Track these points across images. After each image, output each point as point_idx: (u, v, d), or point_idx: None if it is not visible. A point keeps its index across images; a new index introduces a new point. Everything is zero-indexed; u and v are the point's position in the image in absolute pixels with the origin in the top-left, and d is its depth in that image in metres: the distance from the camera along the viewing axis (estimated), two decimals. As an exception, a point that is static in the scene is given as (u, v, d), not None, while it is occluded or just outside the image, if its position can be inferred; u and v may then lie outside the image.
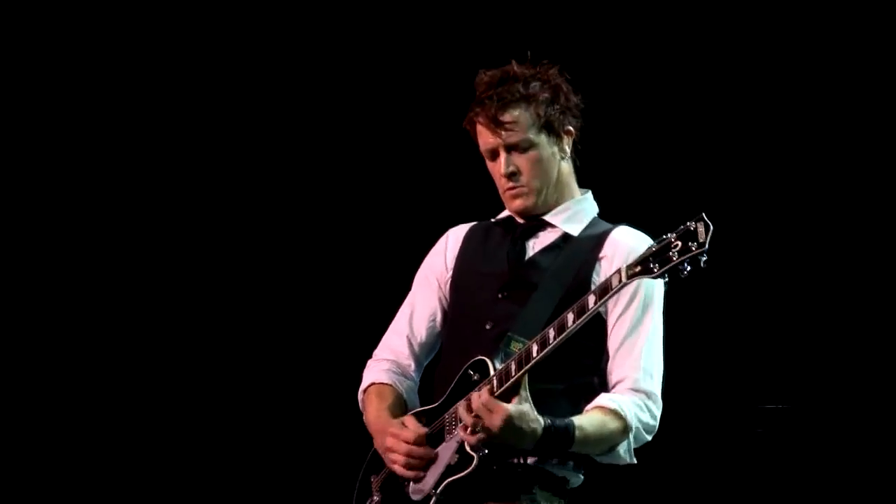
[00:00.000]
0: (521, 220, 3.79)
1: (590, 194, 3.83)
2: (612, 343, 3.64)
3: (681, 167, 5.73)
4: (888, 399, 5.41)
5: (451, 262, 3.87)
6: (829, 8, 5.59)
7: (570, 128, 3.73)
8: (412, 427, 3.62)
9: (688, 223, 3.33)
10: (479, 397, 3.45)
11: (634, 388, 3.61)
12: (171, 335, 6.15)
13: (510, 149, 3.69)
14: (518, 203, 3.72)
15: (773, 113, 5.71)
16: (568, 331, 3.43)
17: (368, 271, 5.97)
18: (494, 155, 3.71)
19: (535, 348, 3.45)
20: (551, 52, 3.86)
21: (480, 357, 3.59)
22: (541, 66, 3.73)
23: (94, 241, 6.14)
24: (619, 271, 3.40)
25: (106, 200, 6.14)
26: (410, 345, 3.88)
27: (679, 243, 3.31)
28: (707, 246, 3.27)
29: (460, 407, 3.54)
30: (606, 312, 3.65)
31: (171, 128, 6.14)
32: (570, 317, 3.43)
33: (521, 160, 3.70)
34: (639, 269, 3.35)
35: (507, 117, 3.67)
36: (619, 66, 5.73)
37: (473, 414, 3.45)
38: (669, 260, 3.30)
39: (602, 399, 3.58)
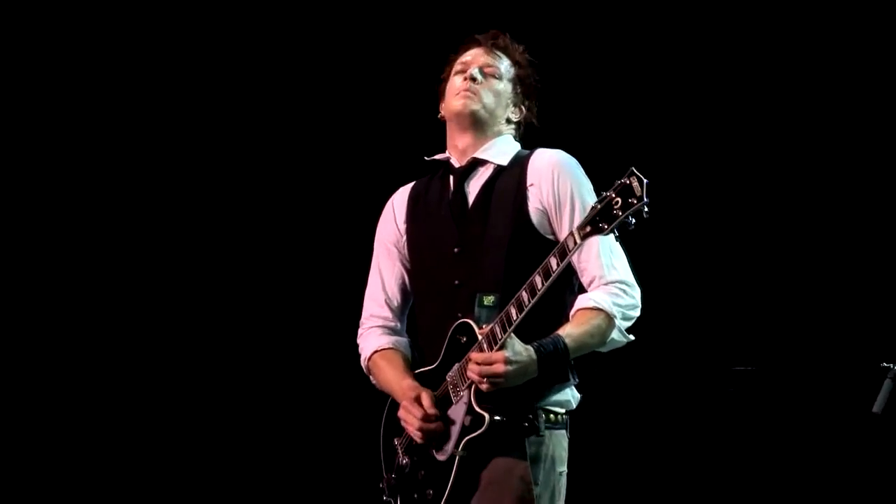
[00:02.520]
0: (455, 164, 3.99)
1: (510, 136, 4.04)
2: (575, 254, 3.71)
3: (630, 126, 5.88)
4: (847, 362, 5.51)
5: (402, 227, 4.08)
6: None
7: (524, 108, 4.05)
8: (425, 404, 3.82)
9: (622, 179, 3.47)
10: (476, 358, 3.69)
11: (604, 282, 3.80)
12: (168, 334, 6.23)
13: (482, 68, 3.99)
14: (462, 103, 3.96)
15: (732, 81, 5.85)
16: (539, 292, 3.62)
17: (333, 252, 6.05)
18: (465, 69, 4.00)
19: (513, 311, 3.65)
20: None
21: (464, 320, 3.79)
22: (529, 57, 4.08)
23: (95, 241, 6.18)
24: (571, 234, 3.58)
25: (106, 200, 6.20)
26: (390, 308, 4.09)
27: (619, 200, 3.46)
28: (646, 198, 3.42)
29: (467, 371, 3.73)
30: (556, 233, 3.84)
31: (170, 128, 6.20)
32: (539, 280, 3.63)
33: (485, 78, 3.98)
34: (589, 229, 3.53)
35: (498, 53, 4.03)
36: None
37: (478, 373, 3.67)
38: (615, 217, 3.46)
39: (579, 301, 3.80)
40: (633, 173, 3.48)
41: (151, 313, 6.25)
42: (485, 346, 3.73)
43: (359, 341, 4.16)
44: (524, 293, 3.67)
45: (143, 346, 6.24)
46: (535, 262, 3.71)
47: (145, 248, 6.25)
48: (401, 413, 3.90)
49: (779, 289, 5.82)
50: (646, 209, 3.46)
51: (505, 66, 4.05)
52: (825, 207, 5.81)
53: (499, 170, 3.96)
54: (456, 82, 4.02)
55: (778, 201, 5.85)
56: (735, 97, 5.86)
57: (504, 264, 3.81)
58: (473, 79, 3.98)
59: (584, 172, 3.94)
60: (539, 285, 3.65)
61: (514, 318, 3.67)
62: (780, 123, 5.84)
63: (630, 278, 3.85)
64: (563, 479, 3.86)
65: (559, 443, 3.86)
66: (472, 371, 3.72)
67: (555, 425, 3.85)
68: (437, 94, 4.14)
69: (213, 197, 6.26)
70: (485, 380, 3.70)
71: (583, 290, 3.90)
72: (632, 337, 3.86)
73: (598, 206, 3.53)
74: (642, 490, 5.95)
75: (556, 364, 3.77)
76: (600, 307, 3.78)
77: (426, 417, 3.82)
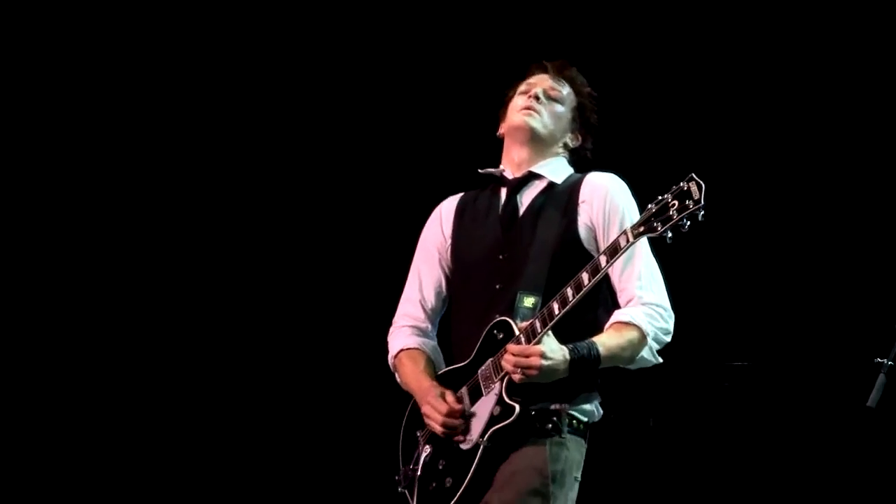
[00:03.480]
0: (509, 177, 4.07)
1: (564, 159, 4.13)
2: (615, 274, 3.87)
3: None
4: (841, 357, 5.58)
5: (448, 232, 4.15)
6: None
7: (580, 137, 4.14)
8: (450, 401, 3.89)
9: (680, 184, 3.55)
10: (512, 350, 3.74)
11: (642, 302, 3.85)
12: (170, 335, 6.23)
13: (546, 91, 4.09)
14: (524, 120, 4.06)
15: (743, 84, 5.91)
16: (585, 289, 3.70)
17: (362, 258, 6.11)
18: (529, 90, 4.10)
19: (556, 307, 3.73)
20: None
21: (503, 318, 3.86)
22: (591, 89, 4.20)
23: (95, 242, 6.18)
24: (625, 232, 3.66)
25: (106, 200, 6.19)
26: (424, 309, 4.16)
27: (676, 202, 3.54)
28: (703, 202, 3.50)
29: (502, 361, 3.77)
30: (599, 250, 3.84)
31: (171, 128, 6.21)
32: (585, 276, 3.70)
33: (548, 100, 4.09)
34: (643, 228, 3.61)
35: (562, 81, 4.13)
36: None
37: (513, 364, 3.72)
38: (670, 218, 3.54)
39: (616, 315, 3.85)
40: (692, 178, 3.54)
41: (166, 315, 6.27)
42: (522, 339, 3.79)
43: (388, 338, 4.22)
44: (569, 289, 3.74)
45: (150, 346, 6.25)
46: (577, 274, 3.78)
47: (165, 251, 6.27)
48: (424, 409, 3.96)
49: (774, 285, 5.87)
50: (701, 213, 3.52)
51: (568, 92, 4.13)
52: (819, 204, 5.86)
53: (551, 185, 4.04)
54: (518, 101, 4.12)
55: (773, 199, 5.90)
56: (734, 97, 5.93)
57: (548, 271, 3.87)
58: (537, 98, 4.08)
59: (631, 197, 4.00)
60: (585, 282, 3.72)
61: (556, 312, 3.74)
62: (774, 122, 5.91)
63: (667, 304, 3.91)
64: (576, 486, 3.92)
65: (577, 448, 3.92)
66: (508, 361, 3.77)
67: (576, 431, 3.92)
68: (498, 114, 4.21)
69: (235, 201, 6.31)
70: (518, 370, 3.75)
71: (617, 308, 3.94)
72: (661, 359, 3.91)
73: (654, 208, 3.60)
74: (638, 484, 5.98)
75: (586, 369, 3.82)
76: (636, 323, 3.84)
77: (451, 413, 3.89)
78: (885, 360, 4.02)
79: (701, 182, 3.51)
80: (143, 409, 6.20)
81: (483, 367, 3.90)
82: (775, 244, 5.88)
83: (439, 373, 4.09)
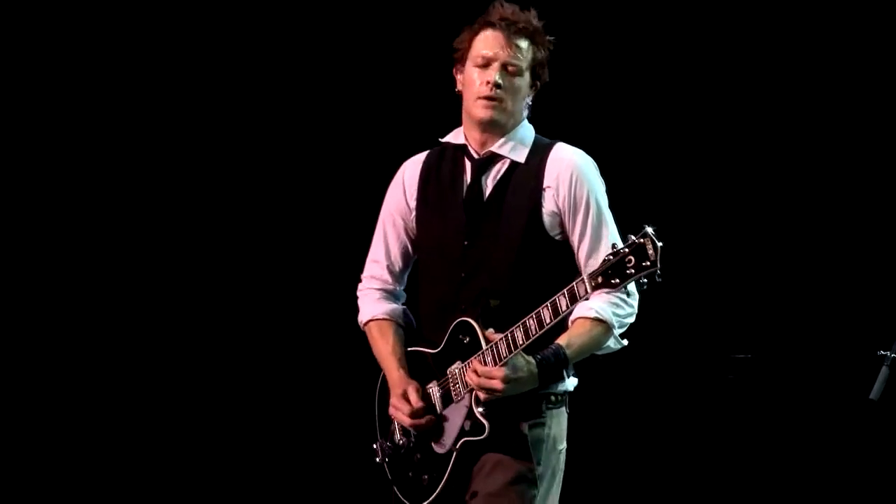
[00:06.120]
0: (474, 154, 3.91)
1: (525, 120, 3.95)
2: (582, 255, 3.80)
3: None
4: (844, 349, 5.59)
5: (412, 202, 4.03)
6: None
7: (539, 83, 3.93)
8: (412, 399, 3.87)
9: (637, 238, 3.45)
10: (477, 369, 3.72)
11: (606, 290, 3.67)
12: (170, 333, 6.17)
13: (506, 66, 3.85)
14: (488, 112, 3.85)
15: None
16: (546, 327, 3.67)
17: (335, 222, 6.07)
18: (487, 64, 3.86)
19: (520, 336, 3.70)
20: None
21: (467, 320, 3.82)
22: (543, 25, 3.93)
23: (95, 242, 6.12)
24: (583, 281, 3.59)
25: (106, 200, 6.13)
26: (391, 272, 4.09)
27: (632, 258, 3.46)
28: (658, 265, 3.42)
29: (467, 377, 3.76)
30: (565, 233, 3.83)
31: (171, 128, 6.14)
32: (547, 314, 3.66)
33: (508, 80, 3.85)
34: (601, 280, 3.54)
35: (520, 42, 3.86)
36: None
37: (476, 384, 3.72)
38: (628, 275, 3.48)
39: (580, 310, 3.75)
40: (646, 234, 3.46)
41: (151, 311, 6.23)
42: (488, 359, 3.78)
43: (358, 296, 4.18)
44: (532, 322, 3.71)
45: (143, 345, 6.22)
46: (543, 262, 3.80)
47: (144, 242, 6.21)
48: (391, 411, 3.96)
49: (777, 277, 5.86)
50: (658, 273, 3.45)
51: (526, 56, 3.90)
52: (821, 196, 5.84)
53: (515, 165, 3.92)
54: (476, 80, 3.90)
55: (774, 190, 5.88)
56: (730, 91, 5.92)
57: (513, 265, 3.83)
58: (497, 85, 3.86)
59: (599, 175, 3.93)
60: (547, 320, 3.69)
61: (521, 342, 3.72)
62: (775, 116, 5.90)
63: (632, 287, 3.77)
64: (563, 455, 3.91)
65: (559, 422, 3.91)
66: (472, 380, 3.78)
67: (555, 405, 3.89)
68: (451, 62, 3.98)
69: (212, 192, 6.22)
70: (483, 391, 3.75)
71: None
72: (625, 342, 3.87)
73: (612, 260, 3.53)
74: (641, 478, 5.99)
75: (555, 372, 3.81)
76: (602, 318, 3.80)
77: (414, 413, 3.88)
78: (888, 353, 4.04)
79: (656, 241, 3.43)
80: (128, 403, 6.18)
81: (452, 368, 3.88)
82: (778, 236, 5.87)
83: (409, 349, 4.04)
